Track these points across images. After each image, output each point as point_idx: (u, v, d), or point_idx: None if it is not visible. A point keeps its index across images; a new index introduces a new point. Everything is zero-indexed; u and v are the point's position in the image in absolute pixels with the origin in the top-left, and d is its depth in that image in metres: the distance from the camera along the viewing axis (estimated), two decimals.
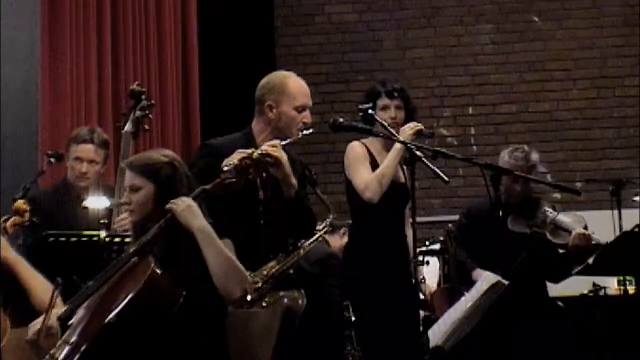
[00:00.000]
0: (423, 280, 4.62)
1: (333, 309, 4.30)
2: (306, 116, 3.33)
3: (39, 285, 3.09)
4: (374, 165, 3.93)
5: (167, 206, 2.73)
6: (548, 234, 4.29)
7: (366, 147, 3.97)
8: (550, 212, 4.37)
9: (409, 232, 4.09)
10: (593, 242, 4.24)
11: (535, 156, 4.40)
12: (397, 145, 3.81)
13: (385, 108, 3.95)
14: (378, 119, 3.77)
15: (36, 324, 2.76)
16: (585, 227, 4.35)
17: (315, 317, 3.42)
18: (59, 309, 2.81)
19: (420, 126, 3.82)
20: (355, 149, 3.96)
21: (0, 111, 4.78)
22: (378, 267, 3.86)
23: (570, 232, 4.27)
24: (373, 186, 3.81)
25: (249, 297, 2.91)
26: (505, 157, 4.35)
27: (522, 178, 4.17)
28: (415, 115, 4.07)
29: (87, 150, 4.09)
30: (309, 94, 3.39)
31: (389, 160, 3.85)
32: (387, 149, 4.00)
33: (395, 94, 3.98)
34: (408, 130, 3.79)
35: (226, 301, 2.77)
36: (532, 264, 4.17)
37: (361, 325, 3.89)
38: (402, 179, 4.03)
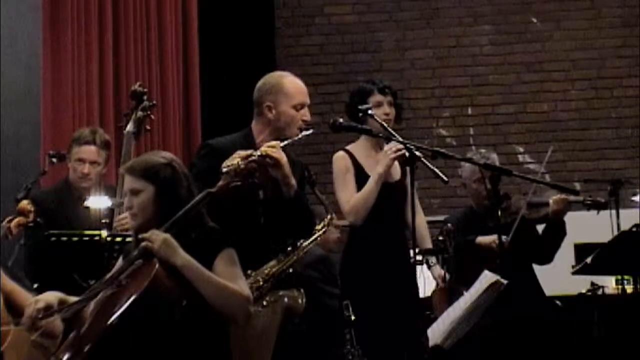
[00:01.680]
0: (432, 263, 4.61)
1: (328, 310, 4.33)
2: (305, 114, 3.35)
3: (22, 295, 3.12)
4: (360, 172, 3.95)
5: (143, 244, 2.69)
6: (527, 215, 4.34)
7: (350, 155, 3.99)
8: (522, 198, 4.43)
9: (420, 218, 4.13)
10: (571, 200, 4.35)
11: (493, 156, 4.48)
12: (379, 169, 3.84)
13: (379, 105, 3.97)
14: (377, 119, 3.79)
15: (40, 301, 2.75)
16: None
17: (313, 316, 3.44)
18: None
19: (403, 151, 3.69)
20: (338, 163, 3.99)
21: (3, 111, 4.81)
22: (377, 267, 3.86)
23: (547, 204, 4.33)
24: (356, 212, 3.86)
25: (252, 299, 2.91)
26: (466, 164, 4.41)
27: (520, 178, 4.20)
28: (402, 112, 4.11)
29: (89, 151, 4.11)
30: (306, 92, 3.40)
31: (369, 187, 3.87)
32: (379, 148, 4.00)
33: (387, 90, 4.01)
34: (390, 153, 3.80)
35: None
36: (519, 249, 4.20)
37: (361, 324, 3.91)
38: (397, 177, 4.04)
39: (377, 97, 3.99)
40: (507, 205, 4.41)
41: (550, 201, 4.35)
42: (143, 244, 2.69)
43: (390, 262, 3.88)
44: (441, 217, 5.12)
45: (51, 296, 2.77)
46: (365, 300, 3.88)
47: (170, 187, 2.79)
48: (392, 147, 3.82)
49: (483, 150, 4.58)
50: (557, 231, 4.44)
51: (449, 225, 4.36)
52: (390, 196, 3.89)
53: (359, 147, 4.01)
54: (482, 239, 4.32)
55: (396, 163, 3.94)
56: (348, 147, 4.03)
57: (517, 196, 4.51)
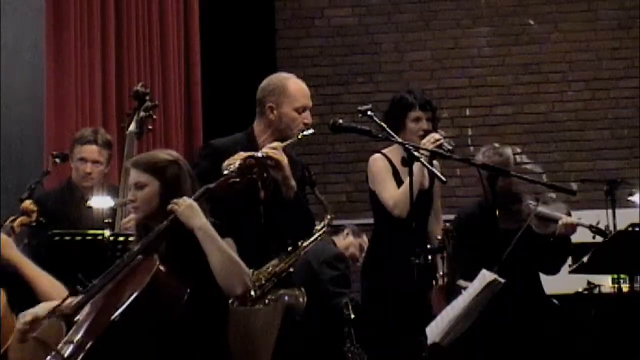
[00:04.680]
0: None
1: (335, 308, 4.37)
2: (306, 117, 3.38)
3: (45, 282, 3.12)
4: (396, 175, 3.99)
5: (169, 207, 2.75)
6: (534, 227, 4.36)
7: (387, 157, 4.03)
8: (533, 205, 4.43)
9: (437, 226, 4.18)
10: (580, 226, 4.33)
11: (507, 151, 4.46)
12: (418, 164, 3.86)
13: (417, 120, 4.01)
14: (377, 120, 3.83)
15: (27, 315, 2.80)
16: (568, 213, 4.43)
17: (314, 314, 3.48)
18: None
19: (441, 140, 3.86)
20: (377, 163, 4.02)
21: (6, 112, 4.84)
22: (396, 273, 3.85)
23: (555, 221, 4.36)
24: (401, 205, 3.87)
25: (252, 293, 2.96)
26: (479, 157, 4.41)
27: (518, 178, 4.23)
28: (437, 126, 4.13)
29: (91, 150, 4.13)
30: (309, 95, 3.43)
31: (413, 180, 3.90)
32: None
33: (428, 107, 4.05)
34: (428, 144, 3.82)
35: (229, 296, 2.82)
36: (523, 258, 4.24)
37: (366, 323, 3.96)
38: (427, 185, 4.07)
39: (417, 113, 4.02)
40: (517, 209, 4.41)
41: (560, 222, 4.32)
42: (170, 206, 2.75)
43: (409, 270, 3.86)
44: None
45: (39, 308, 2.82)
46: (382, 300, 3.92)
47: (174, 184, 2.83)
48: (429, 139, 3.86)
49: (497, 145, 4.53)
50: (562, 249, 4.44)
51: (448, 224, 4.39)
52: (420, 203, 3.86)
53: (394, 152, 4.04)
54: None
55: (425, 172, 3.95)
56: (384, 151, 4.06)
57: (527, 200, 4.48)
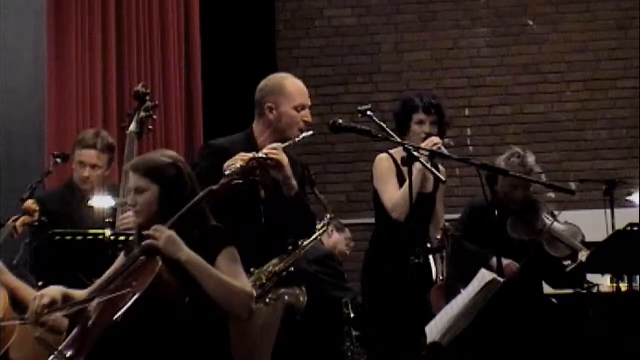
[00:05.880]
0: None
1: (330, 305, 4.39)
2: (306, 115, 3.38)
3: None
4: (400, 176, 4.01)
5: (147, 242, 2.71)
6: (545, 244, 4.37)
7: (393, 158, 4.05)
8: (548, 220, 4.42)
9: (436, 232, 4.20)
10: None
11: (531, 160, 4.45)
12: (418, 165, 3.87)
13: (421, 123, 4.04)
14: (376, 120, 3.85)
15: (44, 297, 2.78)
16: (583, 237, 4.43)
17: (314, 314, 3.49)
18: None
19: (440, 144, 3.88)
20: (383, 163, 4.06)
21: (8, 112, 4.84)
22: (396, 272, 3.89)
23: (565, 245, 4.36)
24: (399, 208, 3.90)
25: (253, 292, 2.96)
26: (502, 165, 4.39)
27: (518, 179, 4.23)
28: (447, 130, 4.15)
29: (90, 155, 4.14)
30: (307, 94, 3.44)
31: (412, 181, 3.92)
32: None
33: (433, 111, 4.06)
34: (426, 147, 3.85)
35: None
36: (531, 271, 4.26)
37: (366, 323, 3.98)
38: (429, 189, 4.10)
39: (420, 116, 4.06)
40: (531, 221, 4.41)
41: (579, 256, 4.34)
42: (148, 241, 2.71)
43: (408, 270, 3.86)
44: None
45: (55, 291, 2.80)
46: (382, 300, 3.95)
47: (174, 187, 2.82)
48: (428, 143, 3.88)
49: (521, 152, 4.49)
50: (569, 277, 4.46)
51: (447, 224, 4.41)
52: (420, 206, 3.90)
53: (400, 153, 4.05)
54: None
55: (430, 176, 3.96)
56: (391, 151, 4.09)
57: (543, 213, 4.46)
